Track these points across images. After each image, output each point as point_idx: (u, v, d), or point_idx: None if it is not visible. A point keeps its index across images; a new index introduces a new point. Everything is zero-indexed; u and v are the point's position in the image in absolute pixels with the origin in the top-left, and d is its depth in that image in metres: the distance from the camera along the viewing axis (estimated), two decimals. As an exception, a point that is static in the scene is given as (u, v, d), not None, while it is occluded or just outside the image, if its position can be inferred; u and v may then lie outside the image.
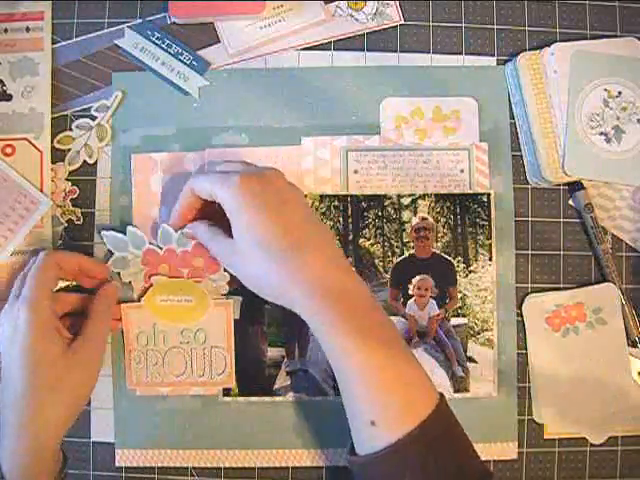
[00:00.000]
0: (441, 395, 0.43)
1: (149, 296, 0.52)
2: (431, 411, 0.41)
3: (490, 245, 0.54)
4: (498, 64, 0.56)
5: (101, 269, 0.51)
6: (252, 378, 0.53)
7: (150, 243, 0.52)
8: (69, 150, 0.54)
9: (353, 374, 0.42)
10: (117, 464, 0.53)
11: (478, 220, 0.54)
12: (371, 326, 0.43)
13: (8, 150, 0.54)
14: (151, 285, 0.52)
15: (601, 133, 0.53)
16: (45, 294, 0.47)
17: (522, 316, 0.54)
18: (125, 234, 0.52)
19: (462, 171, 0.54)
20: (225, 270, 0.52)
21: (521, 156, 0.55)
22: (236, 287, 0.52)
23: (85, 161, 0.54)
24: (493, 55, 0.56)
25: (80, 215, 0.54)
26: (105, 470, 0.53)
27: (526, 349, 0.54)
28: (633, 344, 0.54)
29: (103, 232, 0.52)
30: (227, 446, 0.53)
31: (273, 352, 0.53)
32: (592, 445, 0.54)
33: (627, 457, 0.54)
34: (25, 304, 0.45)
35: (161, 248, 0.52)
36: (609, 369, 0.54)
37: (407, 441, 0.40)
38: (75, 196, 0.54)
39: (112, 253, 0.52)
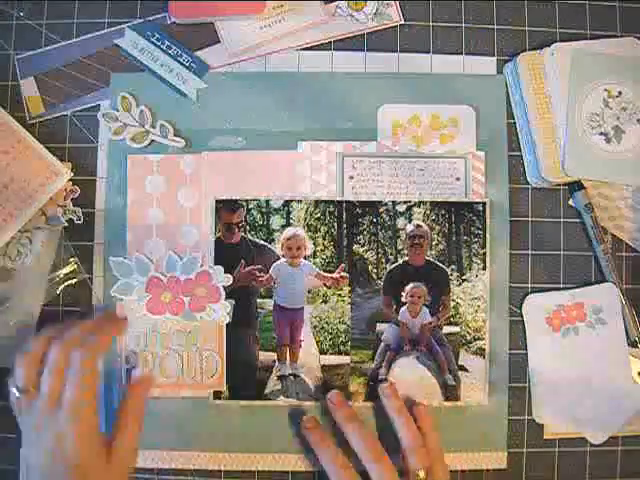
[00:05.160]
0: None
1: None
2: None
3: (484, 254, 0.54)
4: (498, 64, 0.56)
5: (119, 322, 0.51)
6: (243, 381, 0.53)
7: (155, 270, 0.53)
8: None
9: None
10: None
11: (473, 229, 0.54)
12: None
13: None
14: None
15: (601, 133, 0.53)
16: (92, 404, 0.44)
17: (522, 316, 0.54)
18: (132, 260, 0.53)
19: (458, 179, 0.54)
20: (226, 299, 0.52)
21: (521, 156, 0.55)
22: (230, 288, 0.53)
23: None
24: (493, 55, 0.56)
25: (81, 215, 0.54)
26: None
27: (526, 349, 0.54)
28: (633, 344, 0.54)
29: (110, 258, 0.53)
30: (216, 449, 0.53)
31: (264, 356, 0.53)
32: (592, 445, 0.54)
33: (627, 457, 0.54)
34: (72, 417, 0.42)
35: (165, 275, 0.53)
36: (609, 369, 0.54)
37: None
38: (76, 196, 0.54)
39: (117, 279, 0.53)
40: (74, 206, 0.54)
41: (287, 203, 0.54)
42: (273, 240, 0.54)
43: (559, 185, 0.55)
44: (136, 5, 0.56)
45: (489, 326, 0.54)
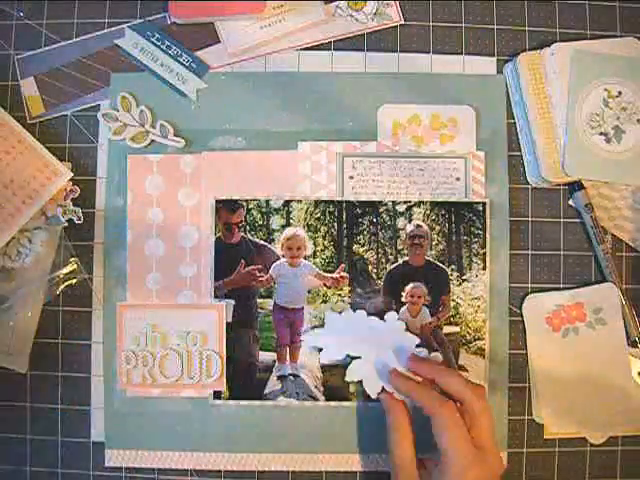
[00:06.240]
0: None
1: None
2: None
3: (484, 254, 0.54)
4: (498, 64, 0.56)
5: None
6: (243, 382, 0.53)
7: None
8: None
9: None
10: (106, 464, 0.53)
11: (473, 229, 0.54)
12: None
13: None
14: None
15: (601, 133, 0.53)
16: None
17: (522, 316, 0.54)
18: None
19: (458, 179, 0.54)
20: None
21: (521, 156, 0.55)
22: (230, 288, 0.53)
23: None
24: (493, 55, 0.56)
25: (81, 215, 0.54)
26: (105, 470, 0.53)
27: (526, 349, 0.54)
28: (633, 344, 0.54)
29: None
30: (216, 449, 0.53)
31: (265, 356, 0.53)
32: (592, 445, 0.54)
33: (627, 457, 0.54)
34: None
35: None
36: (609, 369, 0.54)
37: None
38: (76, 196, 0.54)
39: None
40: (74, 206, 0.54)
41: (287, 203, 0.54)
42: (273, 240, 0.54)
43: (559, 185, 0.55)
44: (136, 5, 0.56)
45: (489, 326, 0.54)
